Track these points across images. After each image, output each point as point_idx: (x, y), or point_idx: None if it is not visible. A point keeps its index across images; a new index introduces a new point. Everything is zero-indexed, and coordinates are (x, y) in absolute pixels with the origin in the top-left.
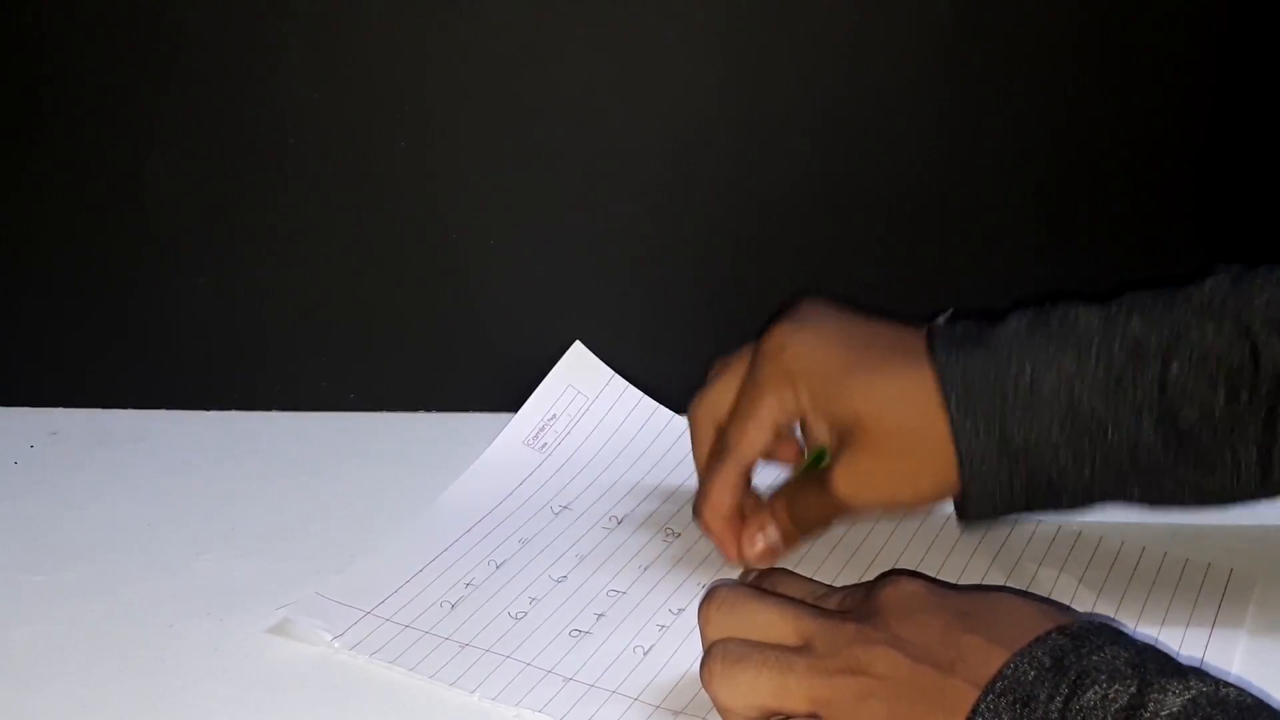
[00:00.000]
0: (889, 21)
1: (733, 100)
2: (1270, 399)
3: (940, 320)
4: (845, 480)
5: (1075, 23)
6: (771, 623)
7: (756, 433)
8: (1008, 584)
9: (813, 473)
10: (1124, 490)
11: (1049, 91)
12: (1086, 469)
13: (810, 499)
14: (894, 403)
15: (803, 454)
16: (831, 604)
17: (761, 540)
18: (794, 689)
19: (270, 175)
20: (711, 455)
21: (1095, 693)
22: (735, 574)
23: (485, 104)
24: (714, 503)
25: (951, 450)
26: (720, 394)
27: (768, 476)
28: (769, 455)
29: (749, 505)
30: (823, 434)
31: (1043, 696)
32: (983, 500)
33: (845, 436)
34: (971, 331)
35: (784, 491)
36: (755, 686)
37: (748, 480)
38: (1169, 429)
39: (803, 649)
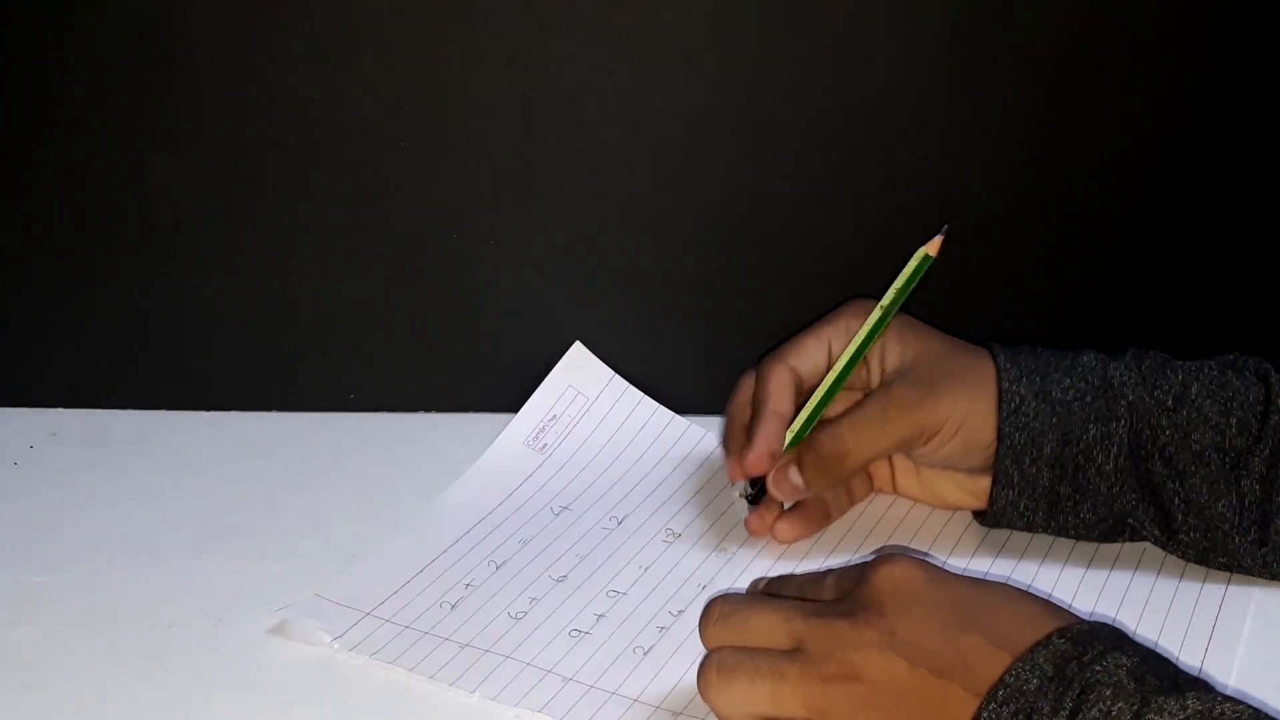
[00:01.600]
0: (885, 24)
1: (732, 102)
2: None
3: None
4: (900, 392)
5: (1075, 25)
6: (763, 628)
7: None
8: (1010, 583)
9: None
10: (1132, 495)
11: (1046, 94)
12: (1111, 451)
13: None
14: (954, 349)
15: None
16: (826, 590)
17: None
18: (789, 696)
19: (271, 176)
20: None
21: (1099, 710)
22: (731, 579)
23: (485, 104)
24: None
25: (994, 393)
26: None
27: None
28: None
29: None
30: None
31: (1045, 710)
32: (1016, 453)
33: (901, 370)
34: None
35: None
36: (750, 696)
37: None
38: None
39: (796, 653)
